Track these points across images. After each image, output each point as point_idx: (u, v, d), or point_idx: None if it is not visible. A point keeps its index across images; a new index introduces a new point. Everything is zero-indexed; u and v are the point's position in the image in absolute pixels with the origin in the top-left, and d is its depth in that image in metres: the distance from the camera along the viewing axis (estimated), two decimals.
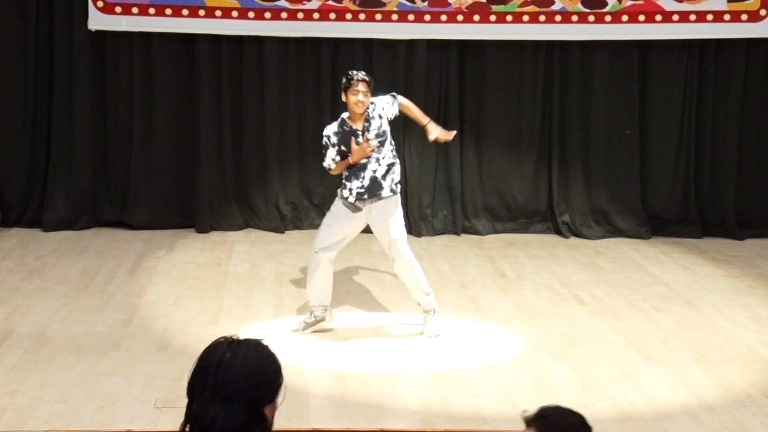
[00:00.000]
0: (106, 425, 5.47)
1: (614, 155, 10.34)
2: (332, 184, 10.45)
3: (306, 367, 6.41)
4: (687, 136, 10.28)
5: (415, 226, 10.19)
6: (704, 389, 6.19)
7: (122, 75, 10.01)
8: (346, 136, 6.96)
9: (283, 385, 2.64)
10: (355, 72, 7.00)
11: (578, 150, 10.30)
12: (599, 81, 10.23)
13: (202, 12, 9.83)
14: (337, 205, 7.06)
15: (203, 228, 10.06)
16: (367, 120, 6.97)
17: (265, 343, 2.67)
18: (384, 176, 6.93)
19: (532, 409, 2.84)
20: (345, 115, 7.05)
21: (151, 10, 9.79)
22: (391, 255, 7.04)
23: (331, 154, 7.01)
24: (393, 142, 7.04)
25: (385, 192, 6.93)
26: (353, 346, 6.88)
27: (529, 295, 8.12)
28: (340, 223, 7.02)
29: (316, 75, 10.20)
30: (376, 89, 10.37)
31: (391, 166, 6.96)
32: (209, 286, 8.18)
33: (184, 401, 2.69)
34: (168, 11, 9.80)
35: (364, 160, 6.91)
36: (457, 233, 10.19)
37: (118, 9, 9.77)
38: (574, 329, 7.29)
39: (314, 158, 10.38)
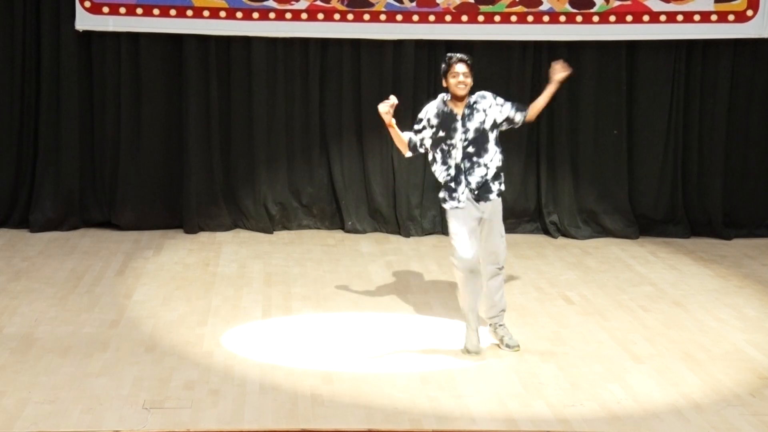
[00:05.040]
0: (94, 426, 5.46)
1: (602, 155, 10.36)
2: (321, 184, 10.48)
3: (294, 367, 6.41)
4: (674, 136, 10.32)
5: (404, 226, 10.20)
6: (692, 388, 6.21)
7: (110, 75, 9.99)
8: (446, 118, 6.60)
9: None
10: (452, 54, 6.68)
11: (566, 150, 10.32)
12: (587, 81, 10.25)
13: (189, 12, 9.82)
14: (453, 218, 6.66)
15: (191, 228, 10.05)
16: (470, 107, 6.64)
17: None
18: (493, 179, 6.70)
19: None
20: (446, 96, 6.67)
21: (139, 11, 9.78)
22: (497, 257, 6.75)
23: (426, 134, 6.62)
24: (500, 146, 6.73)
25: (493, 195, 6.70)
26: (341, 346, 6.88)
27: (517, 295, 8.14)
28: (466, 224, 6.62)
29: (304, 75, 10.20)
30: (365, 89, 10.50)
31: (499, 170, 6.72)
32: (197, 287, 8.18)
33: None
34: (155, 11, 9.79)
35: (467, 164, 6.61)
36: (445, 233, 10.18)
37: (106, 9, 9.75)
38: (562, 329, 7.31)
39: (302, 158, 10.39)
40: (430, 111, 6.72)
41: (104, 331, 7.02)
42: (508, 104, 6.83)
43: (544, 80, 10.30)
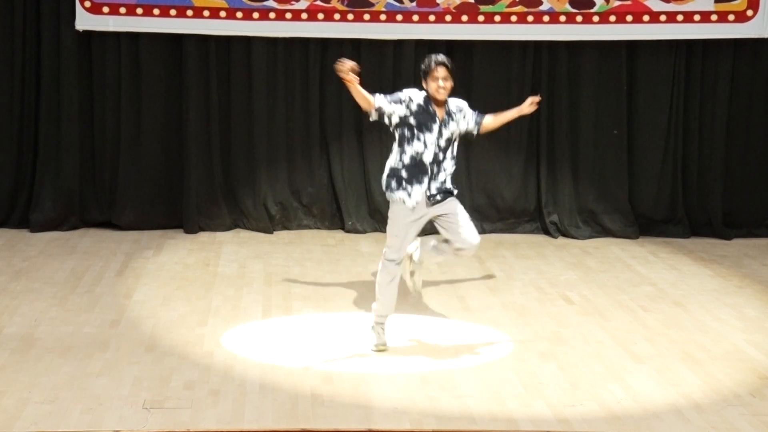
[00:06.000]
0: (94, 426, 5.47)
1: (602, 155, 10.37)
2: (321, 184, 10.48)
3: (294, 367, 6.41)
4: (674, 136, 10.32)
5: None
6: (692, 388, 6.21)
7: (110, 75, 10.00)
8: (425, 115, 6.56)
9: None
10: (433, 55, 6.64)
11: (566, 150, 10.33)
12: (587, 81, 10.26)
13: (189, 12, 9.82)
14: (398, 213, 6.62)
15: (191, 228, 10.06)
16: (448, 114, 6.62)
17: None
18: (450, 183, 6.69)
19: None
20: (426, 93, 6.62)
21: (139, 10, 9.78)
22: (474, 234, 6.73)
23: (396, 109, 6.52)
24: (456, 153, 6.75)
25: (450, 197, 6.70)
26: (341, 346, 6.88)
27: (517, 295, 8.14)
28: (407, 228, 6.64)
29: (305, 75, 10.20)
30: (365, 89, 10.45)
31: (454, 174, 6.72)
32: (197, 287, 8.18)
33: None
34: (155, 11, 9.79)
35: (434, 169, 6.57)
36: None
37: (106, 9, 9.76)
38: (562, 329, 7.31)
39: (302, 158, 10.40)
40: (414, 97, 6.64)
41: (104, 331, 7.02)
42: (473, 118, 6.81)
43: (544, 80, 10.40)
